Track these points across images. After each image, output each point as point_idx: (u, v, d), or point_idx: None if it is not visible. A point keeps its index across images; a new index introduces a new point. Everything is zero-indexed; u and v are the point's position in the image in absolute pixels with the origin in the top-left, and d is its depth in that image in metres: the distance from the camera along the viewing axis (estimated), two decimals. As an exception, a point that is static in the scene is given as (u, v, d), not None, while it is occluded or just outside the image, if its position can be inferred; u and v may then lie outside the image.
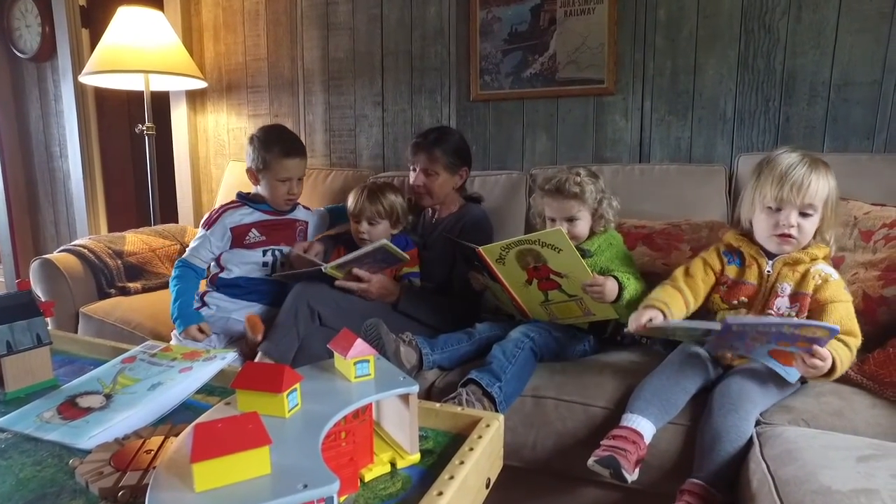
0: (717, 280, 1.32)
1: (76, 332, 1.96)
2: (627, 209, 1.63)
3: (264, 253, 1.70)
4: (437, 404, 0.84)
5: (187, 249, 1.70)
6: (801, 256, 1.23)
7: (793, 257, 1.23)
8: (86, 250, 2.05)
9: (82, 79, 2.35)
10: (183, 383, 0.89)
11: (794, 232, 1.20)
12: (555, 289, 1.40)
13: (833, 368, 1.06)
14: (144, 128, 2.43)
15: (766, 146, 1.90)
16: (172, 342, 1.57)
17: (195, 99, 2.75)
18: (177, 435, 0.72)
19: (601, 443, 1.11)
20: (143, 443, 0.71)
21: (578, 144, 2.14)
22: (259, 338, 1.47)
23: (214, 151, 2.78)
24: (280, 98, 2.60)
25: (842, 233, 1.48)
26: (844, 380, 1.14)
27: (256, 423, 0.53)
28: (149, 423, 0.80)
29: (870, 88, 1.78)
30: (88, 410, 0.82)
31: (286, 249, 1.71)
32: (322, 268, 1.52)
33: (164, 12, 2.45)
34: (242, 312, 1.61)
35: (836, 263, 1.41)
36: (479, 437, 0.74)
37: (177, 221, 2.75)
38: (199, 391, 0.91)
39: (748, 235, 1.31)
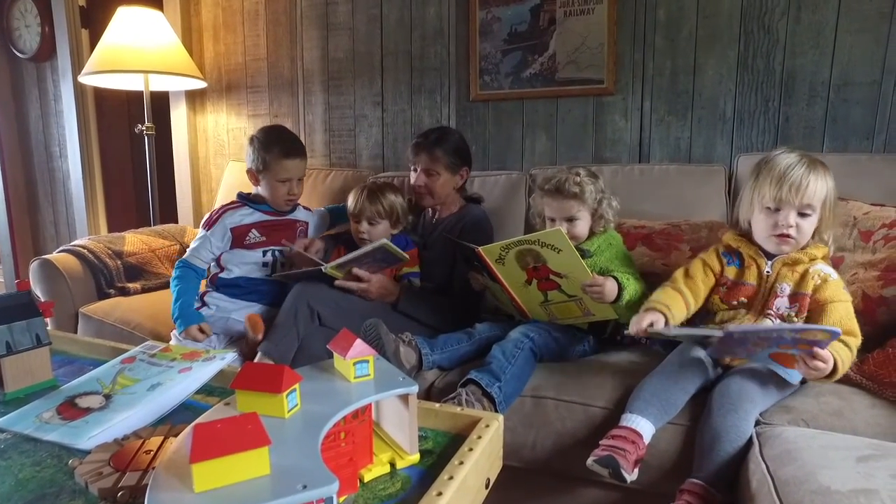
0: (716, 281, 1.32)
1: (76, 332, 1.96)
2: (627, 209, 1.63)
3: (264, 253, 1.70)
4: (437, 404, 0.84)
5: (188, 250, 1.70)
6: (800, 257, 1.23)
7: (792, 257, 1.23)
8: (85, 250, 2.05)
9: (82, 79, 2.35)
10: (182, 384, 0.89)
11: (792, 232, 1.21)
12: (554, 289, 1.40)
13: (834, 369, 1.07)
14: (144, 128, 2.43)
15: (766, 146, 1.90)
16: (172, 342, 1.57)
17: (195, 99, 2.75)
18: (176, 435, 0.72)
19: (600, 443, 1.11)
20: (143, 443, 0.71)
21: (578, 144, 2.14)
22: (259, 337, 1.47)
23: (214, 151, 2.78)
24: (280, 98, 2.60)
25: (841, 233, 1.48)
26: (844, 380, 1.14)
27: (256, 424, 0.53)
28: (148, 424, 0.80)
29: (869, 89, 1.78)
30: (88, 411, 0.82)
31: (288, 247, 1.69)
32: (322, 268, 1.52)
33: (163, 12, 2.45)
34: (242, 312, 1.61)
35: (836, 264, 1.41)
36: (479, 437, 0.74)
37: (176, 221, 2.75)
38: (198, 391, 0.91)
39: (747, 236, 1.31)
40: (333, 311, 1.50)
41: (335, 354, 0.73)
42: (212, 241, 1.67)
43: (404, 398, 0.70)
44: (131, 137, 2.94)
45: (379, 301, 1.58)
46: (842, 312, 1.17)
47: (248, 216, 1.70)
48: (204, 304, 1.66)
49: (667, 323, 1.23)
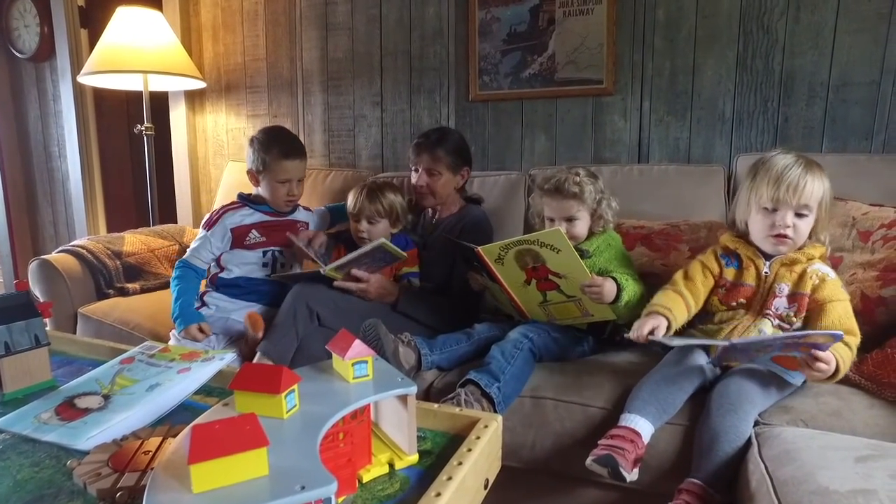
0: (715, 283, 1.32)
1: (75, 332, 1.95)
2: (626, 209, 1.63)
3: (264, 253, 1.70)
4: (436, 405, 0.84)
5: (188, 250, 1.70)
6: (797, 256, 1.23)
7: (790, 258, 1.24)
8: (84, 251, 2.05)
9: (81, 79, 2.35)
10: (181, 384, 0.89)
11: (789, 232, 1.21)
12: (553, 289, 1.40)
13: (836, 370, 1.07)
14: (143, 128, 2.43)
15: (765, 147, 1.90)
16: (171, 342, 1.57)
17: (194, 99, 2.75)
18: (175, 436, 0.72)
19: (599, 442, 1.11)
20: (142, 444, 0.71)
21: (577, 145, 2.14)
22: (260, 335, 1.47)
23: (213, 152, 2.78)
24: (279, 98, 2.60)
25: (840, 233, 1.48)
26: (843, 380, 1.14)
27: (254, 425, 0.53)
28: (147, 424, 0.80)
29: (868, 89, 1.79)
30: (87, 411, 0.82)
31: (292, 240, 1.66)
32: (321, 270, 1.52)
33: (162, 12, 2.44)
34: (242, 312, 1.61)
35: (835, 264, 1.41)
36: (478, 437, 0.74)
37: (175, 222, 2.75)
38: (197, 392, 0.91)
39: (744, 237, 1.31)
40: (332, 311, 1.50)
41: (334, 355, 0.73)
42: (212, 241, 1.67)
43: (403, 399, 0.70)
44: (130, 137, 2.94)
45: (378, 301, 1.58)
46: (840, 311, 1.18)
47: (248, 217, 1.70)
48: (204, 304, 1.66)
49: (669, 326, 1.24)
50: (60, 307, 1.95)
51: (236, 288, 1.68)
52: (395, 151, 2.42)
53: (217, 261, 1.70)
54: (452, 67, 2.27)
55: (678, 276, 1.34)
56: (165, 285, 1.94)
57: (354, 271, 1.54)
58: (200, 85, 2.51)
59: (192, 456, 0.48)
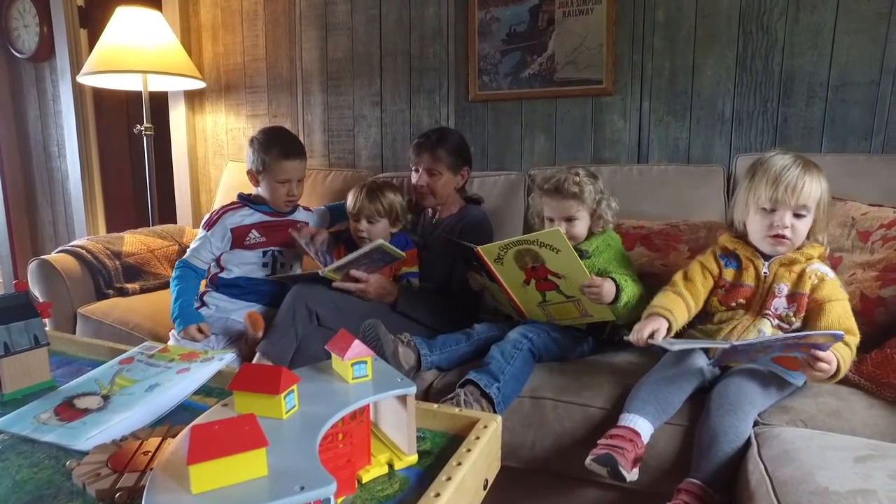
0: (714, 283, 1.32)
1: (74, 332, 1.95)
2: (626, 209, 1.63)
3: (264, 253, 1.70)
4: (435, 405, 0.84)
5: (188, 250, 1.70)
6: (796, 256, 1.23)
7: (788, 258, 1.24)
8: (84, 251, 2.05)
9: (80, 79, 2.35)
10: (181, 384, 0.89)
11: (787, 233, 1.21)
12: (552, 289, 1.40)
13: (837, 370, 1.07)
14: (143, 128, 2.43)
15: (765, 147, 1.90)
16: (170, 342, 1.57)
17: (193, 99, 2.75)
18: (174, 436, 0.72)
19: (598, 442, 1.11)
20: (141, 444, 0.71)
21: (577, 145, 2.14)
22: (260, 334, 1.47)
23: (213, 152, 2.78)
24: (278, 98, 2.59)
25: (839, 233, 1.48)
26: (842, 380, 1.14)
27: (253, 425, 0.53)
28: (146, 425, 0.80)
29: (867, 89, 1.79)
30: (86, 412, 0.82)
31: (295, 236, 1.65)
32: (320, 271, 1.52)
33: (162, 12, 2.44)
34: (242, 313, 1.61)
35: (834, 264, 1.41)
36: (477, 438, 0.74)
37: (175, 222, 2.75)
38: (196, 392, 0.91)
39: (743, 238, 1.31)
40: (332, 311, 1.50)
41: (333, 355, 0.73)
42: (212, 241, 1.67)
43: (402, 399, 0.70)
44: (130, 137, 2.94)
45: (377, 301, 1.58)
46: (839, 311, 1.18)
47: (248, 217, 1.70)
48: (203, 304, 1.66)
49: (669, 327, 1.24)
50: (60, 307, 1.95)
51: (236, 288, 1.68)
52: (395, 151, 2.42)
53: (217, 261, 1.70)
54: (452, 67, 2.27)
55: (678, 277, 1.34)
56: (165, 285, 1.94)
57: (353, 272, 1.54)
58: (200, 85, 2.51)
59: (192, 456, 0.48)
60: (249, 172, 1.73)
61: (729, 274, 1.31)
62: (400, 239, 1.70)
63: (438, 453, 0.75)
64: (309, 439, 0.58)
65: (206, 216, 1.72)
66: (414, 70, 2.33)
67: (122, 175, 3.17)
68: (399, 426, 0.72)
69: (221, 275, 1.69)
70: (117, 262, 2.09)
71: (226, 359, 0.97)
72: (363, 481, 0.68)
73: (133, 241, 2.19)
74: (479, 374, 1.28)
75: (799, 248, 1.25)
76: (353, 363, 0.70)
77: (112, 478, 0.64)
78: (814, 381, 1.15)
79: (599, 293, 1.32)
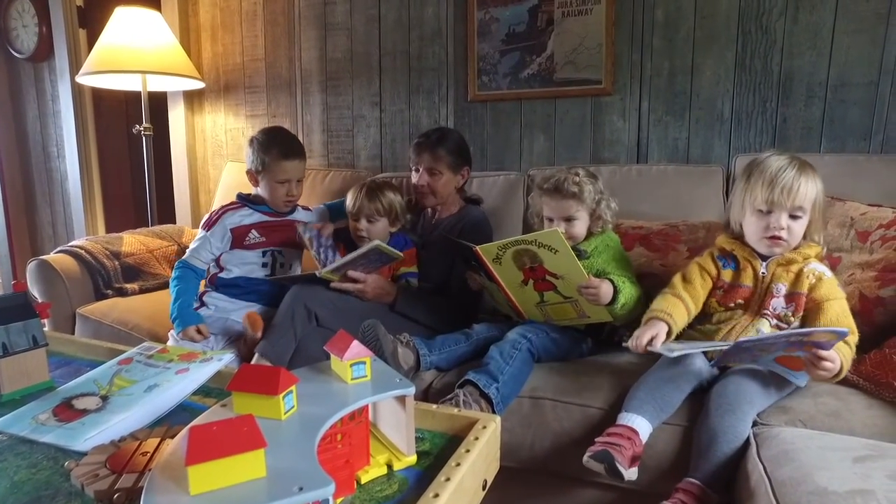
0: (713, 284, 1.33)
1: (73, 333, 1.95)
2: (625, 210, 1.63)
3: (263, 254, 1.70)
4: (434, 405, 0.84)
5: (187, 250, 1.70)
6: (794, 256, 1.24)
7: (786, 258, 1.24)
8: (83, 251, 2.05)
9: (79, 79, 2.35)
10: (179, 385, 0.89)
11: (784, 234, 1.22)
12: (550, 290, 1.40)
13: (840, 369, 1.07)
14: (142, 128, 2.43)
15: (764, 147, 1.90)
16: (169, 342, 1.57)
17: (193, 99, 2.75)
18: (173, 437, 0.71)
19: (595, 440, 1.11)
20: (140, 445, 0.71)
21: (576, 145, 2.14)
22: (259, 334, 1.47)
23: (212, 152, 2.77)
24: (278, 98, 2.59)
25: (838, 233, 1.48)
26: (841, 380, 1.14)
27: (252, 426, 0.53)
28: (145, 425, 0.80)
29: (866, 89, 1.79)
30: (84, 412, 0.82)
31: (302, 231, 1.65)
32: (317, 273, 1.52)
33: (161, 12, 2.44)
34: (241, 313, 1.61)
35: (833, 264, 1.41)
36: (476, 438, 0.74)
37: (174, 222, 2.75)
38: (195, 392, 0.91)
39: (740, 238, 1.31)
40: (331, 311, 1.50)
41: (332, 356, 0.73)
42: (211, 241, 1.67)
43: (401, 399, 0.70)
44: (129, 138, 2.94)
45: (376, 301, 1.58)
46: (838, 310, 1.18)
47: (247, 217, 1.70)
48: (203, 304, 1.66)
49: (669, 331, 1.24)
50: (59, 308, 1.95)
51: (236, 288, 1.68)
52: (394, 152, 2.42)
53: (217, 261, 1.70)
54: (451, 68, 2.27)
55: (676, 279, 1.34)
56: (164, 286, 1.94)
57: (351, 272, 1.54)
58: (199, 85, 2.50)
59: (190, 457, 0.48)
60: (249, 172, 1.73)
61: (727, 275, 1.31)
62: (399, 238, 1.71)
63: (437, 454, 0.75)
64: (307, 440, 0.57)
65: (206, 216, 1.72)
66: (413, 70, 2.33)
67: (121, 175, 3.17)
68: (398, 427, 0.72)
69: (221, 275, 1.69)
70: (116, 263, 2.09)
71: (224, 359, 0.97)
72: (362, 482, 0.67)
73: (132, 242, 2.19)
74: (477, 374, 1.27)
75: (796, 248, 1.25)
76: (352, 364, 0.70)
77: (110, 478, 0.64)
78: (817, 381, 1.15)
79: (597, 294, 1.32)
